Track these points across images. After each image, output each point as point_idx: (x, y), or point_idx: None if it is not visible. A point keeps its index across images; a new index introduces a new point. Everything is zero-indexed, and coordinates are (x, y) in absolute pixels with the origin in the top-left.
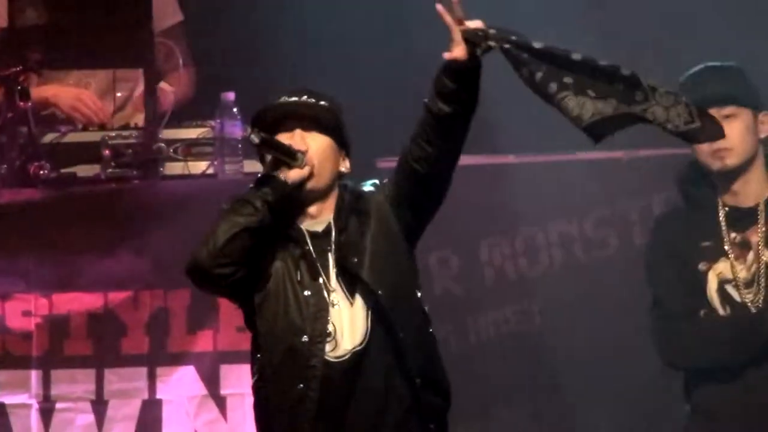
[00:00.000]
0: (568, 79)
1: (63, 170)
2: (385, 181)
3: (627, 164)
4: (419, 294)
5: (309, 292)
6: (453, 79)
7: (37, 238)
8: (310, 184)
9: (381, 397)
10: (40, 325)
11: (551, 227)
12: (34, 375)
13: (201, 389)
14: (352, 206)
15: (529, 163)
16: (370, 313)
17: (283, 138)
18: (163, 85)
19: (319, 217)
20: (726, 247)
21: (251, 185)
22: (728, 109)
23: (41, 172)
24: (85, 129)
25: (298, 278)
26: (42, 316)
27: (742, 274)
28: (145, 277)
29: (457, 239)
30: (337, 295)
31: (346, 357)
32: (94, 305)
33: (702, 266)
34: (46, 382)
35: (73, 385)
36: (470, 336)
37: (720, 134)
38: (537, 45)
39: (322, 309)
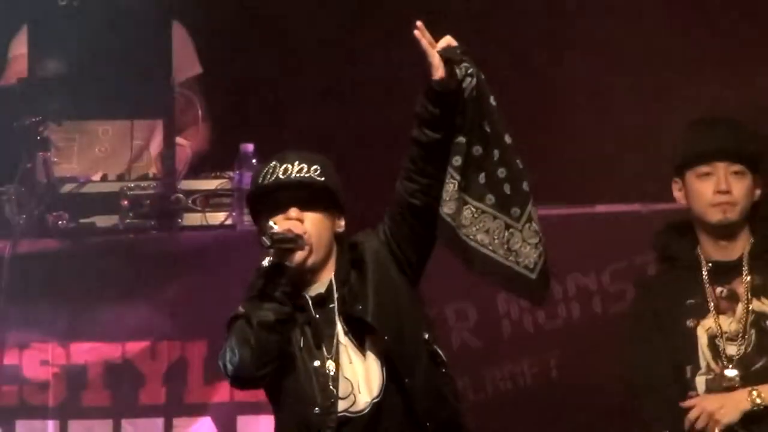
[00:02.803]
0: (477, 149)
1: (81, 220)
2: (378, 227)
3: (645, 217)
4: (427, 336)
5: (318, 362)
6: (437, 104)
7: (55, 288)
8: (310, 261)
9: None
10: (57, 374)
11: (569, 280)
12: (51, 425)
13: None
14: (350, 258)
15: (546, 216)
16: (383, 362)
17: (280, 220)
18: (179, 140)
19: (321, 280)
20: (711, 303)
21: (258, 276)
22: (737, 167)
23: (60, 222)
24: (103, 179)
25: (305, 347)
26: (59, 366)
27: (732, 326)
28: (162, 327)
29: (475, 291)
30: (349, 350)
31: (366, 410)
32: (111, 355)
33: (690, 323)
34: None
35: None
36: (488, 388)
37: (541, 301)
38: (492, 101)
39: (330, 379)
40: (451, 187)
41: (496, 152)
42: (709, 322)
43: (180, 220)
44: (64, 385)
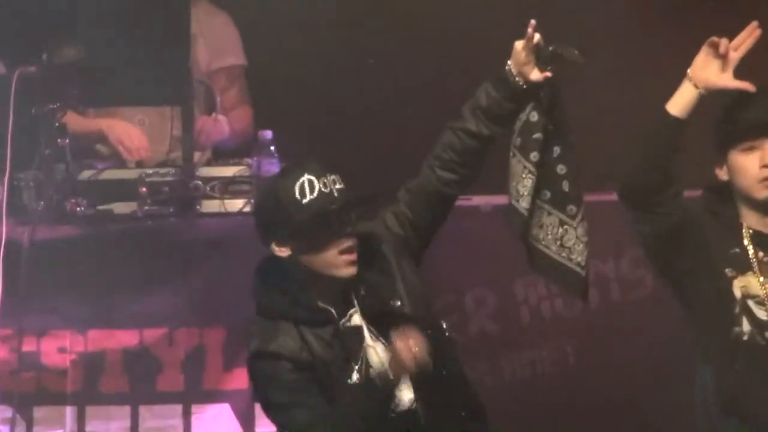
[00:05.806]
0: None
1: (100, 207)
2: (386, 217)
3: None
4: (444, 324)
5: (354, 377)
6: (515, 100)
7: (73, 275)
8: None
9: None
10: (75, 361)
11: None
12: (69, 411)
13: (236, 427)
14: (362, 252)
15: None
16: None
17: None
18: (218, 116)
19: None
20: (753, 261)
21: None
22: None
23: (78, 208)
24: (122, 166)
25: (335, 366)
26: (77, 353)
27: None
28: (181, 314)
29: (494, 278)
30: (378, 351)
31: (411, 407)
32: (129, 342)
33: (729, 272)
34: (81, 419)
35: (108, 422)
36: (505, 375)
37: (582, 295)
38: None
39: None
40: (529, 182)
41: (556, 149)
42: (745, 280)
43: (198, 207)
44: (82, 371)
